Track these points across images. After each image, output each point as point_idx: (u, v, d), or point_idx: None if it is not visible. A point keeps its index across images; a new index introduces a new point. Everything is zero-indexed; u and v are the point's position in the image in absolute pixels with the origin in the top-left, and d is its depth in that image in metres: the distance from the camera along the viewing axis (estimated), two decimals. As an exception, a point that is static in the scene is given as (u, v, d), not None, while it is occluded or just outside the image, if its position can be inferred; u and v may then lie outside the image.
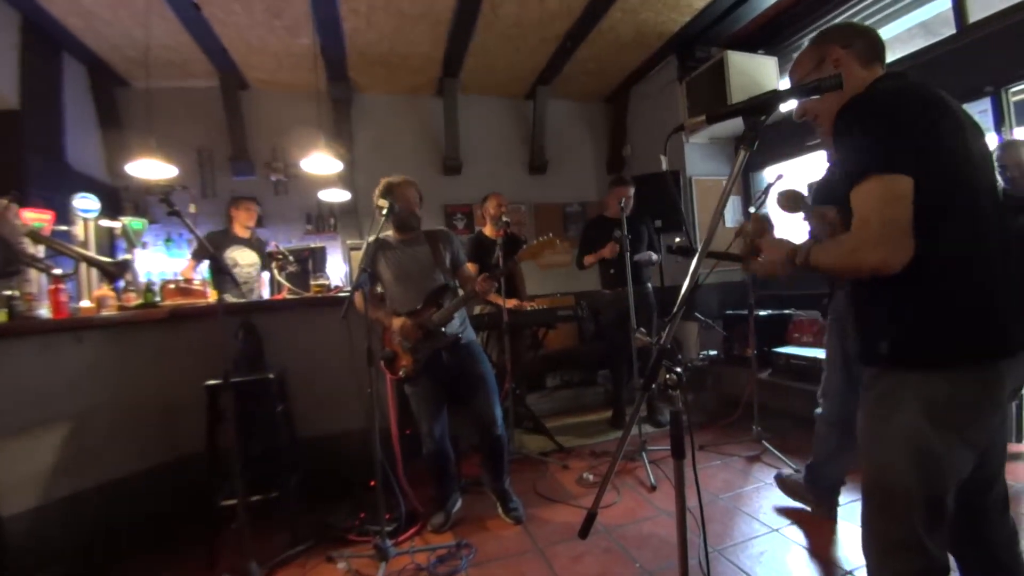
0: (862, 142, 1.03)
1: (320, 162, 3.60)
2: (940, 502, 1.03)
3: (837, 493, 2.25)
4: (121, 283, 2.62)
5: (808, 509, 2.31)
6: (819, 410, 2.25)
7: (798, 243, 1.15)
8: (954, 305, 1.00)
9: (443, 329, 2.33)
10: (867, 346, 1.12)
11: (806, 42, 1.37)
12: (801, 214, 1.56)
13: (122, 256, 2.97)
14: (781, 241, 1.18)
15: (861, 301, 1.15)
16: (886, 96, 1.06)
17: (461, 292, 2.42)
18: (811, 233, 1.55)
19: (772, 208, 2.55)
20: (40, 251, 2.48)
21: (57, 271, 2.38)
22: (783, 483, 2.44)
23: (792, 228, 2.74)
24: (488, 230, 3.61)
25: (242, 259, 3.60)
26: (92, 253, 2.82)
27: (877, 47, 1.20)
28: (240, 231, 3.70)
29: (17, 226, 2.34)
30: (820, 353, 3.38)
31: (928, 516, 1.03)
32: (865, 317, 1.14)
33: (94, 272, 2.86)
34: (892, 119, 1.01)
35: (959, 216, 1.01)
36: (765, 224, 1.25)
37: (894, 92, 1.07)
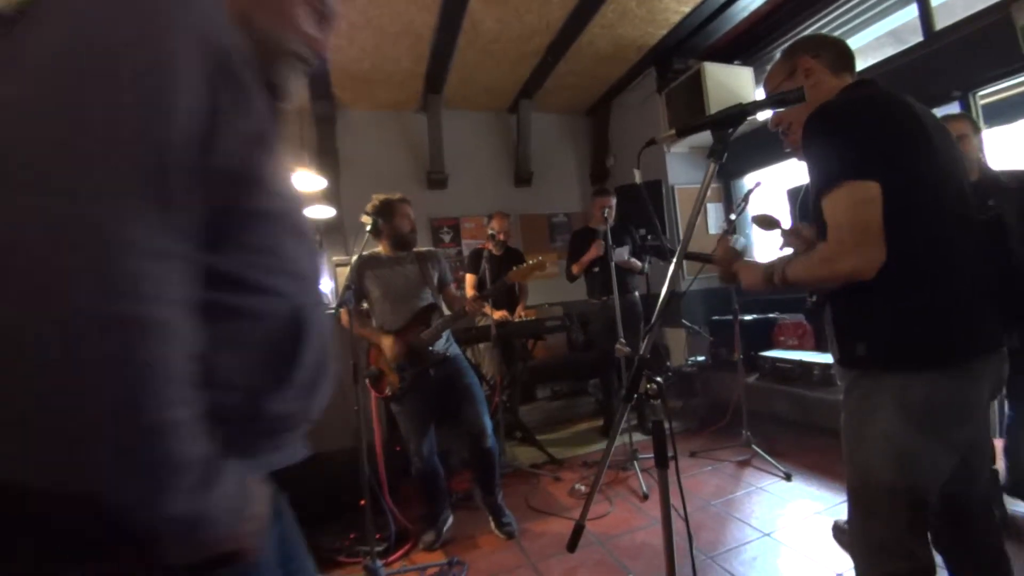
0: (829, 149, 1.05)
1: (304, 179, 3.59)
2: (923, 503, 1.04)
3: None
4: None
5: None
6: None
7: (772, 262, 1.17)
8: (925, 306, 1.02)
9: (431, 347, 2.32)
10: (845, 349, 1.14)
11: (779, 53, 1.41)
12: (778, 231, 1.60)
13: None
14: (754, 264, 1.21)
15: (838, 304, 1.16)
16: (852, 103, 1.09)
17: (447, 312, 2.42)
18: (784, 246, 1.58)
19: (753, 210, 2.60)
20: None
21: None
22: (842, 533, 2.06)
23: (771, 244, 2.77)
24: (489, 245, 3.75)
25: None
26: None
27: (846, 57, 1.23)
28: None
29: None
30: (805, 356, 3.43)
31: (912, 517, 1.04)
32: (842, 320, 1.15)
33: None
34: (858, 126, 1.04)
35: (927, 218, 1.03)
36: (732, 251, 1.29)
37: (859, 100, 1.10)
